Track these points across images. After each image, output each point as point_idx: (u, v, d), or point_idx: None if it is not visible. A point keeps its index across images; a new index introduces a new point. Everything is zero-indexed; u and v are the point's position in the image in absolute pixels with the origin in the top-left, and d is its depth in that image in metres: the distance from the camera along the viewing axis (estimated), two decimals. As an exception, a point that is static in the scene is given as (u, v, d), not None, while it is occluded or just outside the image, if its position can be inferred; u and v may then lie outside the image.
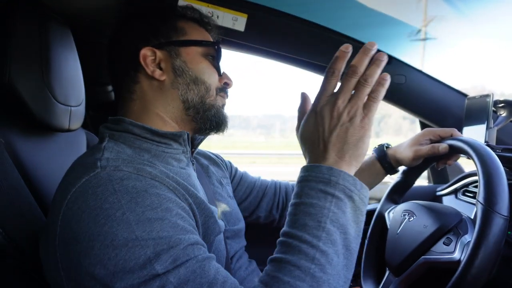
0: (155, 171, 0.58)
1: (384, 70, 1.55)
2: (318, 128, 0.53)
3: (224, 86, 0.75)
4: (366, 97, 0.52)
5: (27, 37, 0.74)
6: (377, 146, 0.96)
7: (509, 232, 0.76)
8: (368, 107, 0.52)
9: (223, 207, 0.79)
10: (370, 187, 0.97)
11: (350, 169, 0.53)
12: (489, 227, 0.58)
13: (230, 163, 1.01)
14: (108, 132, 0.66)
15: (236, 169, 1.01)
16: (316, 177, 0.51)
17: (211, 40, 0.77)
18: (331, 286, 0.47)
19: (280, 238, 0.52)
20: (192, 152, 0.74)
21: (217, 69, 0.74)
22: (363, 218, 0.52)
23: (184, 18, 0.75)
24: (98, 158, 0.57)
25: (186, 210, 0.56)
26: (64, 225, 0.51)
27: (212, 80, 0.72)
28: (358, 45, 1.27)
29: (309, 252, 0.47)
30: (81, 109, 0.90)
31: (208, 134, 0.76)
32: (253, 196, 1.00)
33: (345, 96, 0.52)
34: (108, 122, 0.69)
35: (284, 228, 0.52)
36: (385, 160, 0.92)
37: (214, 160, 0.92)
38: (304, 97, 0.65)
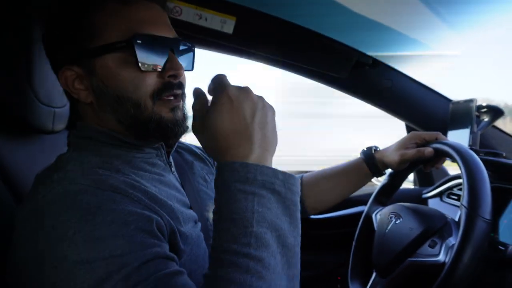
0: (117, 182, 0.53)
1: (371, 74, 1.56)
2: (238, 118, 0.48)
3: (168, 82, 0.60)
4: None
5: (10, 37, 0.73)
6: (365, 149, 0.97)
7: (492, 234, 0.78)
8: None
9: (209, 206, 0.77)
10: (357, 189, 0.98)
11: (270, 158, 0.50)
12: (473, 230, 0.59)
13: None
14: (74, 140, 0.62)
15: None
16: (231, 176, 0.46)
17: (130, 29, 0.57)
18: None
19: (211, 253, 0.48)
20: (169, 153, 0.70)
21: (151, 68, 0.58)
22: (296, 208, 0.48)
23: (102, 3, 0.58)
24: (57, 170, 0.54)
25: (151, 220, 0.52)
26: (19, 243, 0.49)
27: (142, 90, 0.58)
28: (346, 49, 1.28)
29: (241, 263, 0.43)
30: (65, 110, 0.88)
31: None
32: None
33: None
34: (75, 129, 0.64)
35: (213, 242, 0.48)
36: (372, 163, 0.92)
37: (199, 155, 0.87)
38: (198, 93, 0.55)
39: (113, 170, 0.58)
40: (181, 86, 0.63)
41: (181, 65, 0.61)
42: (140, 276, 0.45)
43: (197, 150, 0.89)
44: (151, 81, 0.59)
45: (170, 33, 0.63)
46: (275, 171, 0.47)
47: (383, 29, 1.20)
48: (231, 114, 0.48)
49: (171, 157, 0.71)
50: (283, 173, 0.47)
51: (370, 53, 1.28)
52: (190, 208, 0.68)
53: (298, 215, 0.49)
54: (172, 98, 0.61)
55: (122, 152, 0.61)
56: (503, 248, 0.71)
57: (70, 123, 0.80)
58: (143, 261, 0.46)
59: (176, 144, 0.73)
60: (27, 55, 0.75)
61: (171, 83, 0.60)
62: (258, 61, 1.30)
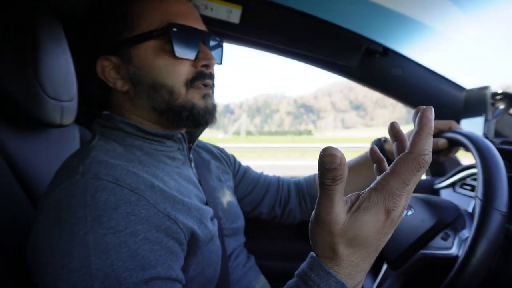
0: (138, 180, 0.54)
1: (381, 62, 1.52)
2: (380, 232, 0.37)
3: (200, 71, 0.63)
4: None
5: (17, 32, 0.73)
6: (375, 140, 0.95)
7: (507, 225, 0.76)
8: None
9: (222, 204, 0.78)
10: (370, 182, 0.96)
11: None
12: (488, 224, 0.58)
13: (233, 157, 0.97)
14: (99, 129, 0.64)
15: (240, 164, 0.98)
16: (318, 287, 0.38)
17: (168, 18, 0.61)
18: None
19: None
20: (190, 148, 0.71)
21: (185, 55, 0.62)
22: None
23: None
24: (82, 161, 0.55)
25: (163, 228, 0.53)
26: (38, 232, 0.50)
27: (176, 77, 0.61)
28: (355, 37, 1.25)
29: None
30: (73, 104, 0.89)
31: (199, 128, 0.70)
32: (256, 192, 0.97)
33: (408, 192, 0.38)
34: (101, 118, 0.66)
35: None
36: (382, 153, 0.91)
37: (216, 155, 0.89)
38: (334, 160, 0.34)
39: (135, 161, 0.59)
40: (212, 76, 0.66)
41: (212, 56, 0.64)
42: None
43: (215, 150, 0.91)
44: (185, 69, 0.62)
45: (202, 27, 0.66)
46: None
47: (391, 15, 1.16)
48: (375, 225, 0.37)
49: (191, 153, 0.72)
50: None
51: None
52: (206, 204, 0.68)
53: None
54: (202, 86, 0.64)
55: (145, 144, 0.63)
56: (518, 240, 0.69)
57: (92, 113, 0.80)
58: (141, 280, 0.47)
59: (196, 141, 0.74)
60: (34, 50, 0.74)
61: (203, 73, 0.63)
62: (265, 50, 1.28)
